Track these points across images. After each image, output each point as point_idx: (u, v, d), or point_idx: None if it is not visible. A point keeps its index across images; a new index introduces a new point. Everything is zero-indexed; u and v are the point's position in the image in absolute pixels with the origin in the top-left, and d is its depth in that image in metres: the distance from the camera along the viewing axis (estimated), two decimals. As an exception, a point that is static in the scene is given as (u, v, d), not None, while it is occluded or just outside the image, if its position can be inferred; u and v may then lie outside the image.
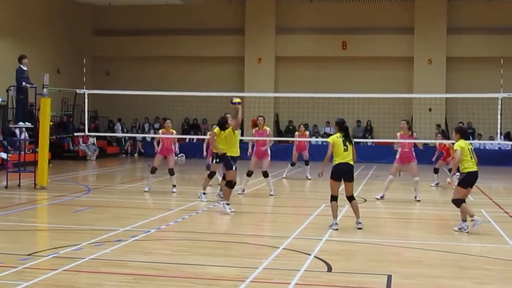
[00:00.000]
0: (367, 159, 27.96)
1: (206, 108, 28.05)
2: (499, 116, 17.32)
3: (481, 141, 28.55)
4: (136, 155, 32.80)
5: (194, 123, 33.43)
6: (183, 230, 11.32)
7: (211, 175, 15.48)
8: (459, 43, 31.36)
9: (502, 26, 30.92)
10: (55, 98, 24.17)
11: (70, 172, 23.40)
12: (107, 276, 7.85)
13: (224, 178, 13.88)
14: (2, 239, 10.32)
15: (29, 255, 8.78)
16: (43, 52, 29.59)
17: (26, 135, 19.67)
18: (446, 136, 27.13)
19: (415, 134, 16.48)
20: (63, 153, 29.28)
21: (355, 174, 11.69)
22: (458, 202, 11.44)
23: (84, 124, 20.90)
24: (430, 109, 29.07)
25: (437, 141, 20.44)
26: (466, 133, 12.26)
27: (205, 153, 18.08)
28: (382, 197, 15.82)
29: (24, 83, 17.00)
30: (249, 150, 16.84)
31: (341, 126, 11.61)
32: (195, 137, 28.73)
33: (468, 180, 11.40)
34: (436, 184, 19.39)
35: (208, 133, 18.28)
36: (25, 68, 17.14)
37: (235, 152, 13.58)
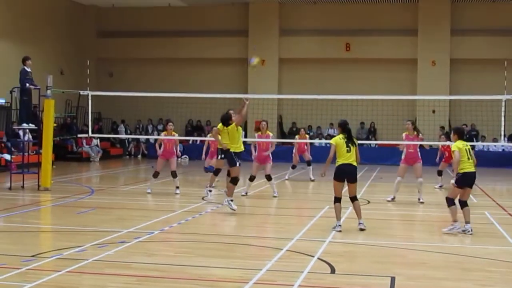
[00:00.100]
0: (371, 161, 27.95)
1: (209, 110, 28.06)
2: (502, 118, 17.30)
3: (484, 143, 28.54)
4: (139, 156, 32.85)
5: (198, 124, 33.44)
6: (186, 232, 11.33)
7: (217, 172, 15.52)
8: (463, 45, 31.32)
9: (506, 28, 30.87)
10: (59, 99, 24.21)
11: (74, 173, 23.43)
12: (110, 277, 7.85)
13: (228, 174, 13.95)
14: (6, 241, 10.33)
15: (32, 256, 8.79)
16: (46, 53, 29.66)
17: (30, 136, 19.72)
18: (450, 138, 27.05)
19: (421, 135, 16.43)
20: (67, 154, 29.31)
21: (358, 176, 11.70)
22: (449, 201, 11.50)
23: (87, 126, 20.94)
24: (433, 111, 29.03)
25: (439, 143, 20.42)
26: (464, 134, 12.24)
27: (203, 156, 18.11)
28: (393, 199, 15.82)
29: (27, 84, 17.05)
30: (254, 153, 16.86)
31: (344, 128, 11.63)
32: (198, 138, 28.73)
33: (463, 181, 11.38)
34: (440, 186, 19.35)
35: (209, 135, 18.34)
36: (28, 70, 17.19)
37: (239, 147, 13.69)
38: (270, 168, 16.63)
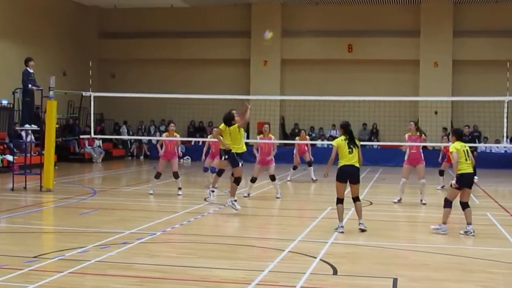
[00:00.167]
0: (373, 162, 27.93)
1: (211, 111, 27.99)
2: (505, 119, 17.29)
3: (487, 144, 28.52)
4: (142, 157, 32.88)
5: (200, 125, 33.44)
6: (188, 233, 11.33)
7: (220, 173, 15.52)
8: (465, 46, 31.31)
9: (508, 29, 30.86)
10: (61, 100, 24.25)
11: (76, 174, 23.44)
12: (112, 278, 7.85)
13: (233, 175, 13.98)
14: (8, 241, 10.34)
15: (35, 257, 8.80)
16: (49, 54, 29.69)
17: (32, 137, 19.71)
18: (451, 139, 27.06)
19: (423, 136, 16.40)
20: (69, 155, 29.37)
21: (360, 177, 11.70)
22: (446, 202, 11.52)
23: (90, 127, 20.94)
24: (436, 112, 29.01)
25: (441, 144, 20.41)
26: (462, 135, 12.24)
27: (203, 156, 18.12)
28: (399, 201, 15.81)
29: (30, 85, 17.07)
30: (257, 156, 16.85)
31: (346, 129, 11.64)
32: (200, 139, 28.72)
33: (461, 182, 11.37)
34: (442, 187, 19.33)
35: (209, 136, 18.35)
36: (31, 71, 17.20)
37: (241, 148, 13.71)
38: (273, 169, 16.66)
